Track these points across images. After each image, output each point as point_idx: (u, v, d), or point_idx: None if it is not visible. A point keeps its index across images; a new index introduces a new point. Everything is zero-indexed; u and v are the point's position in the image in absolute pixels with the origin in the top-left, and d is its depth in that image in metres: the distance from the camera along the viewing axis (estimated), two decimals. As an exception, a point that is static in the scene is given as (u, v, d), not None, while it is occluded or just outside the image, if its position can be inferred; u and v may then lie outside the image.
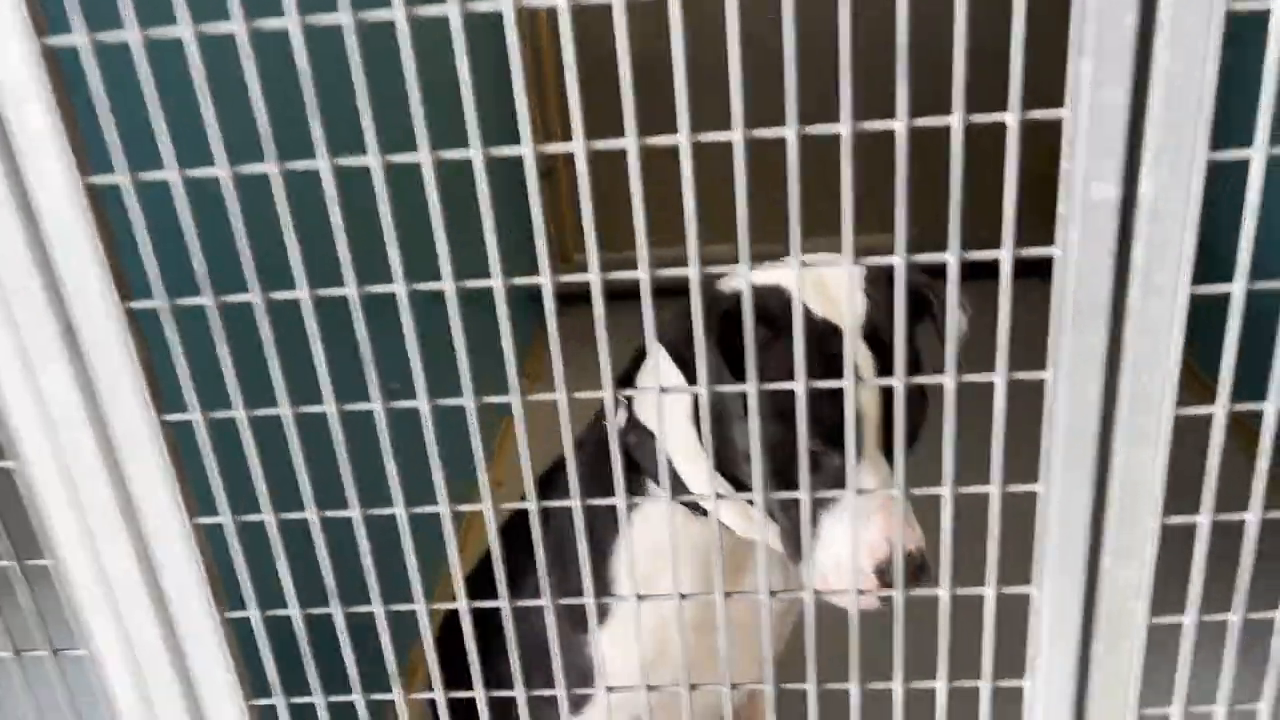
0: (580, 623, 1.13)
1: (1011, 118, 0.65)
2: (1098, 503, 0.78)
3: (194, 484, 0.82)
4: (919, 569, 0.91)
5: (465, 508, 0.81)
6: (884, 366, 0.98)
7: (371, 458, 0.79)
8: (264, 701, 0.89)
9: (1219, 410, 0.74)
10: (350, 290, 0.73)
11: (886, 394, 0.98)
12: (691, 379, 0.98)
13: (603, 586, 1.14)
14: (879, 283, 1.01)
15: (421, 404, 0.77)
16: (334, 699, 0.89)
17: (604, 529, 1.12)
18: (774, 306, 0.98)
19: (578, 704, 1.16)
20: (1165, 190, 0.67)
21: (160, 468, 0.79)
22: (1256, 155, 0.66)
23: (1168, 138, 0.65)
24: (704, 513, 1.10)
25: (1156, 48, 0.63)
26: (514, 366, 0.77)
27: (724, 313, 0.95)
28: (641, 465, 1.12)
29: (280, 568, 0.84)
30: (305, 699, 0.89)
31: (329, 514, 0.82)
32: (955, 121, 0.66)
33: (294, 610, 0.85)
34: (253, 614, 0.85)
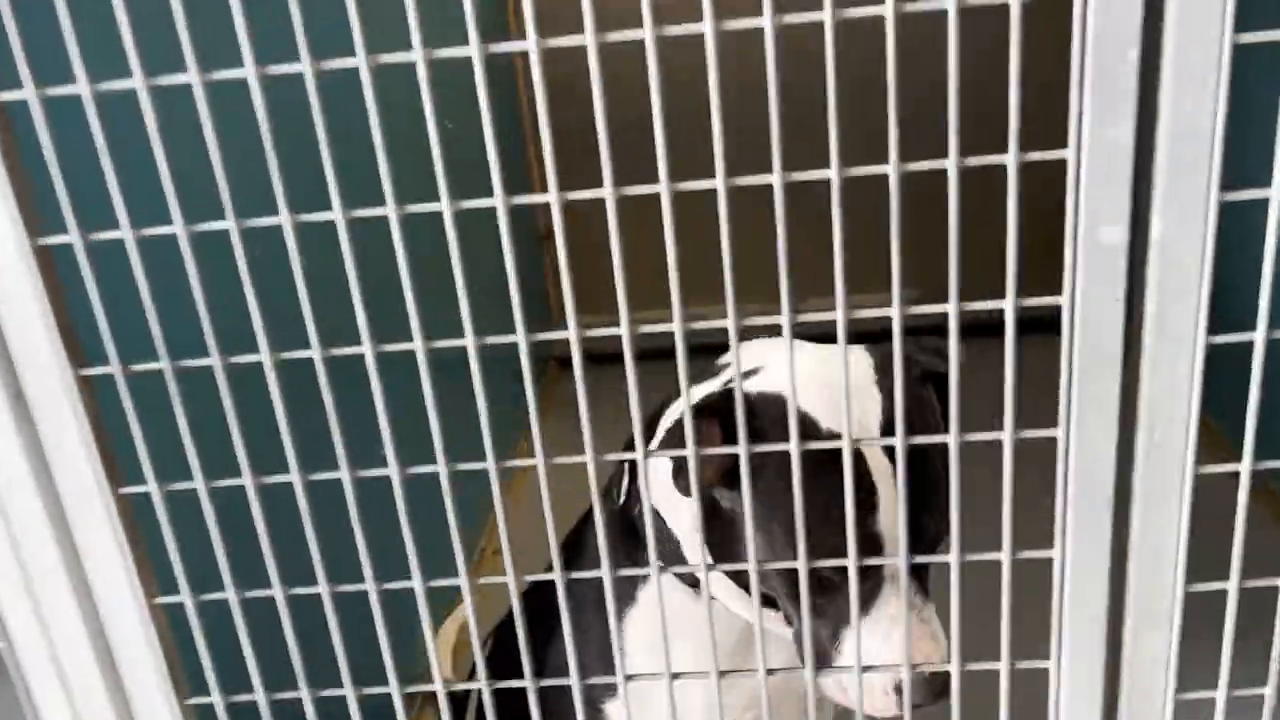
0: (591, 702, 1.09)
1: (1011, 159, 0.62)
2: (1116, 569, 0.72)
3: (152, 557, 0.77)
4: (941, 691, 0.85)
5: (440, 582, 0.76)
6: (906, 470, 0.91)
7: (345, 531, 0.74)
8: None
9: (1245, 468, 0.69)
10: (315, 353, 0.69)
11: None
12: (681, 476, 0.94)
13: (610, 663, 1.08)
14: (890, 370, 0.92)
15: (393, 471, 0.72)
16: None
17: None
18: (774, 416, 0.89)
19: None
20: (1176, 232, 0.63)
21: (114, 540, 0.74)
22: (1275, 195, 0.62)
23: (1176, 177, 0.61)
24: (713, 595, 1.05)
25: (1162, 82, 0.60)
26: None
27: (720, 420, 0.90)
28: (644, 539, 1.06)
29: (247, 650, 0.78)
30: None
31: (296, 591, 0.77)
32: (951, 166, 0.62)
33: (260, 696, 0.80)
34: (217, 701, 0.80)
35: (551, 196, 0.65)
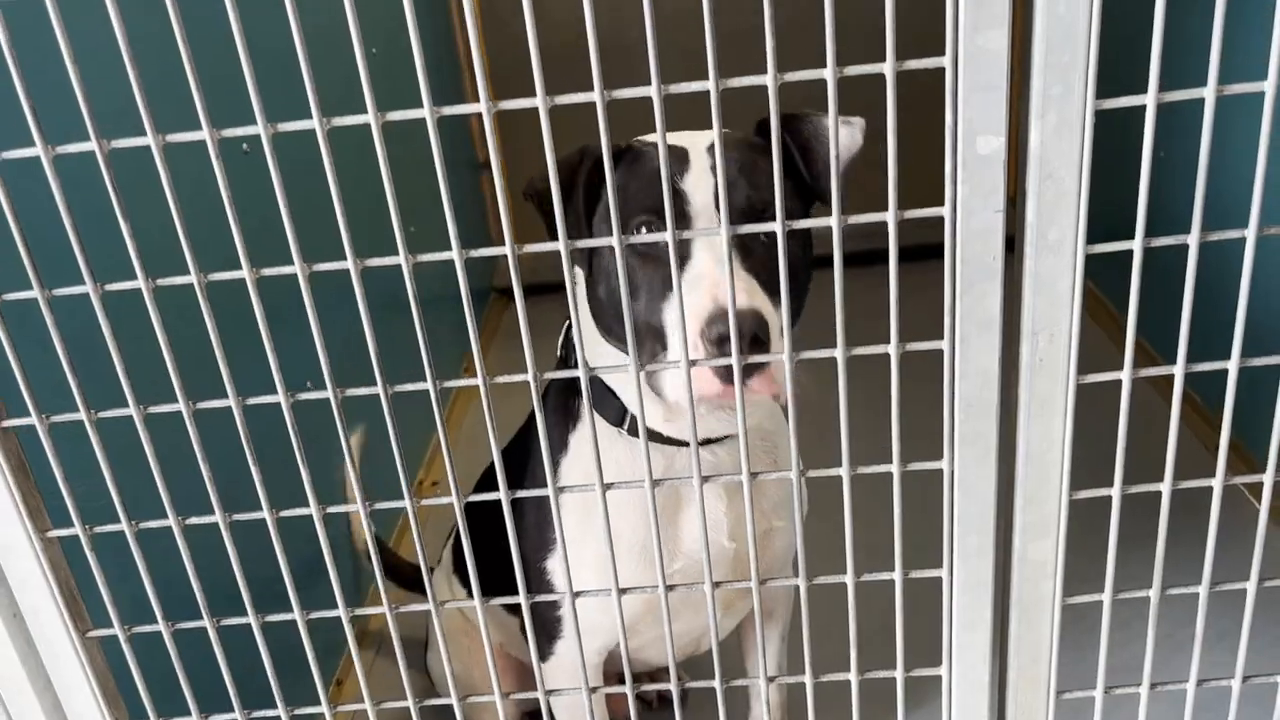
0: (540, 551, 1.13)
1: (889, 68, 0.61)
2: (1004, 479, 0.73)
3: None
4: (753, 340, 0.84)
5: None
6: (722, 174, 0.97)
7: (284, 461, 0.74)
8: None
9: (1125, 376, 0.70)
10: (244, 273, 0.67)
11: (717, 187, 0.95)
12: (553, 230, 0.96)
13: (549, 514, 1.11)
14: (727, 144, 1.00)
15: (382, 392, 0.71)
16: None
17: (550, 456, 1.12)
18: (634, 149, 1.02)
19: (549, 634, 1.15)
20: (1053, 141, 0.63)
21: (0, 476, 0.73)
22: (1150, 102, 0.62)
23: (1051, 84, 0.61)
24: (636, 433, 1.07)
25: (1036, -13, 0.59)
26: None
27: (595, 161, 0.97)
28: (579, 388, 1.10)
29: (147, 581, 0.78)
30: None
31: (239, 517, 0.76)
32: (829, 75, 0.61)
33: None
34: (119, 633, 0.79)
35: (483, 107, 0.63)
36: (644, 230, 0.97)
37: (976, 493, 0.73)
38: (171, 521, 0.75)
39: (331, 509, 0.75)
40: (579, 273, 1.09)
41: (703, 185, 0.96)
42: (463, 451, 2.11)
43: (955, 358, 0.69)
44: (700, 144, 1.00)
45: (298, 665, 0.82)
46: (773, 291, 0.93)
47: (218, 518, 0.75)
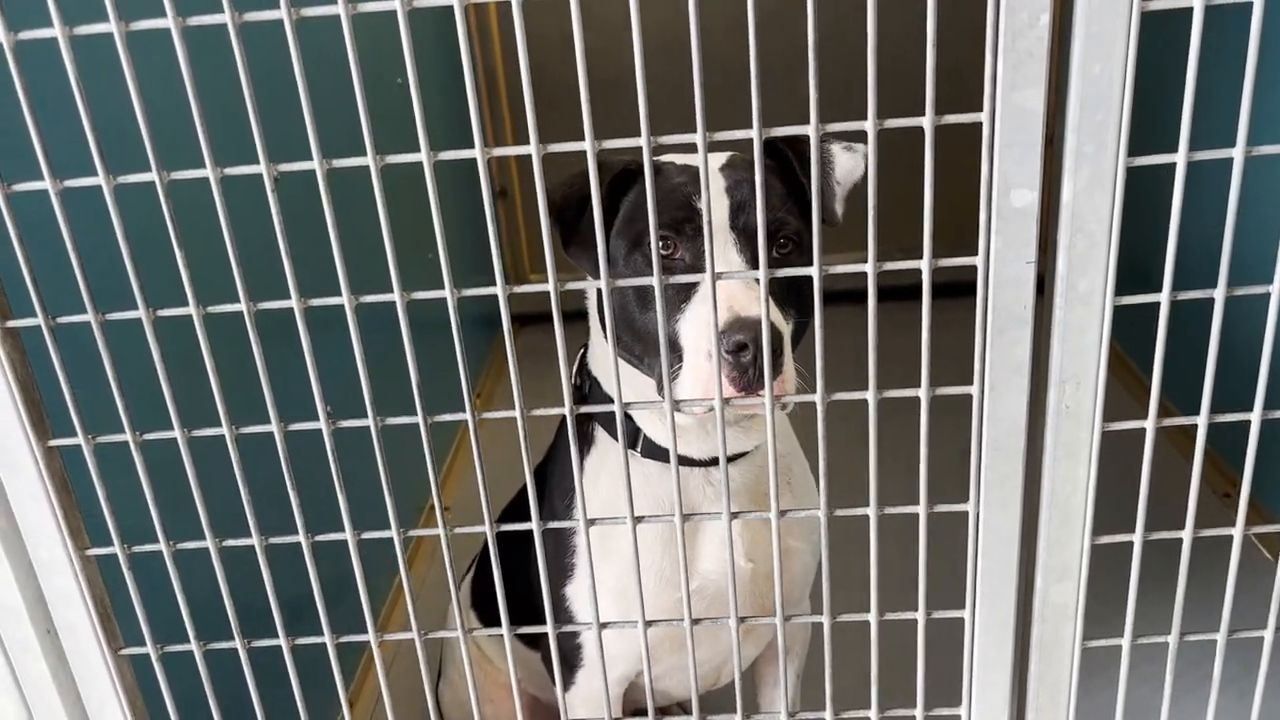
0: (558, 578, 1.14)
1: (928, 122, 0.63)
2: (1028, 522, 0.75)
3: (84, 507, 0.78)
4: (760, 336, 0.86)
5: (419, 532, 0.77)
6: (735, 184, 1.02)
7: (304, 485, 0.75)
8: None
9: (1150, 425, 0.72)
10: (242, 307, 0.69)
11: (736, 206, 1.00)
12: (568, 244, 1.01)
13: (566, 540, 1.12)
14: (739, 166, 1.05)
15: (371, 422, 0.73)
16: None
17: (566, 482, 1.17)
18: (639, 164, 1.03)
19: (569, 665, 1.15)
20: (1085, 196, 0.65)
21: (44, 494, 0.75)
22: (1181, 160, 0.64)
23: (1085, 142, 0.63)
24: (654, 457, 1.10)
25: (1073, 48, 0.61)
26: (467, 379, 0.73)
27: (612, 176, 1.01)
28: (593, 414, 1.12)
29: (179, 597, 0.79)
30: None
31: (275, 540, 0.78)
32: (870, 128, 0.63)
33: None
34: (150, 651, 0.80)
35: (477, 153, 0.65)
36: (662, 246, 1.00)
37: (1001, 535, 0.74)
38: (209, 543, 0.77)
39: (366, 534, 0.77)
40: (591, 299, 1.11)
41: (719, 205, 1.00)
42: (474, 478, 2.12)
43: (984, 402, 0.70)
44: (713, 164, 1.03)
45: (307, 685, 0.83)
46: (782, 305, 0.99)
47: (254, 540, 0.77)
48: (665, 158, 1.08)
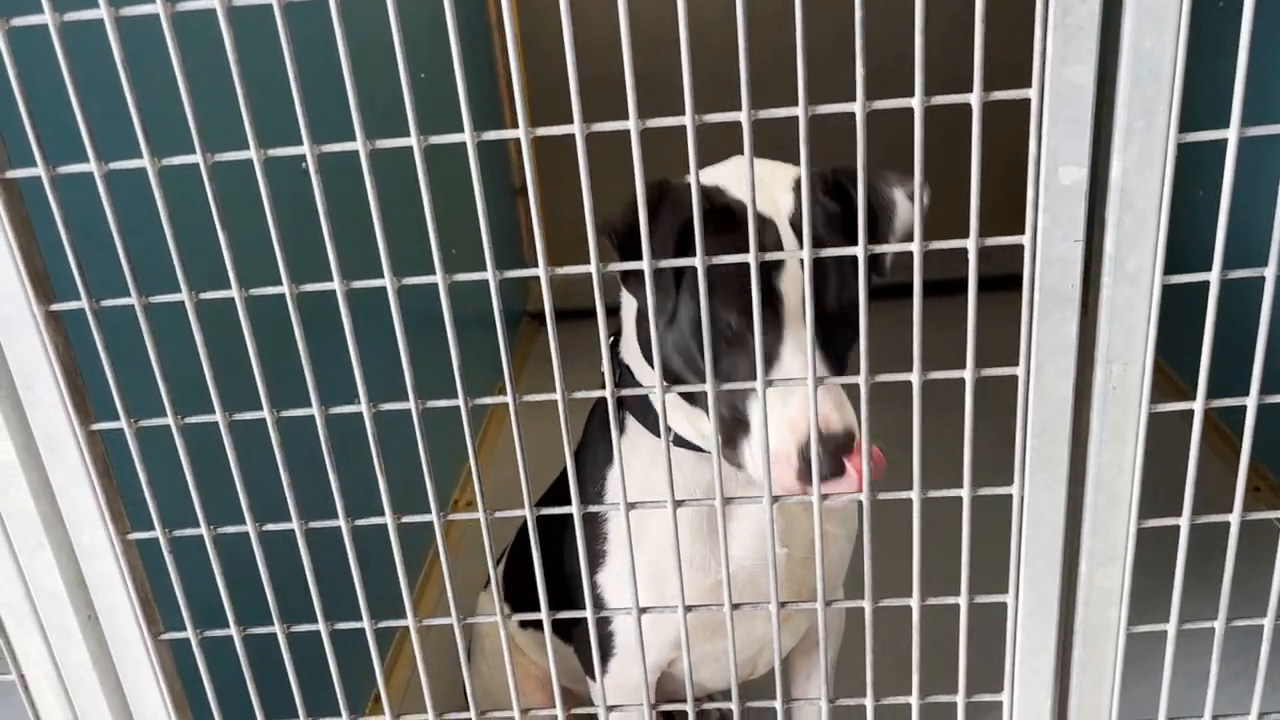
0: (590, 565, 1.13)
1: (975, 98, 0.62)
2: (1073, 505, 0.74)
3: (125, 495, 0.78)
4: (841, 450, 0.87)
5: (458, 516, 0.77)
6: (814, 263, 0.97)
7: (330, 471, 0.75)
8: (203, 729, 0.85)
9: (1199, 406, 0.71)
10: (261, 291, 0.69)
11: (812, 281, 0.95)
12: (627, 275, 0.96)
13: (598, 527, 1.12)
14: (812, 186, 0.99)
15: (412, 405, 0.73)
16: None
17: (596, 470, 1.16)
18: (715, 203, 0.99)
19: (602, 654, 1.15)
20: (1135, 173, 0.64)
21: (86, 479, 0.75)
22: (1233, 136, 0.64)
23: (1135, 118, 0.62)
24: (684, 446, 1.10)
25: (1123, 23, 0.61)
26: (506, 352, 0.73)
27: (676, 204, 0.94)
28: (624, 402, 1.11)
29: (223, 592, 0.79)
30: (247, 725, 0.84)
31: (314, 524, 0.78)
32: (917, 104, 0.63)
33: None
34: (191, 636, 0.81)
35: (521, 132, 0.65)
36: (732, 321, 0.96)
37: (1045, 518, 0.73)
38: (249, 527, 0.77)
39: (406, 518, 0.77)
40: (628, 299, 1.10)
41: (794, 278, 0.95)
42: (497, 471, 2.12)
43: (1030, 384, 0.70)
44: (783, 204, 0.99)
45: (359, 670, 0.83)
46: (842, 368, 0.97)
47: (294, 524, 0.77)
48: (730, 185, 1.01)
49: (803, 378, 0.89)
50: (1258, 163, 0.67)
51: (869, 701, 0.81)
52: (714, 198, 0.99)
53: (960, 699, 0.81)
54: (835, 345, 0.98)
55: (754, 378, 0.94)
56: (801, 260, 0.96)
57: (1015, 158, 0.65)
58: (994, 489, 0.73)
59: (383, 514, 0.76)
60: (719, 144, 0.95)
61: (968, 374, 0.69)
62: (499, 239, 2.62)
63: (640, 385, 1.10)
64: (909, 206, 0.99)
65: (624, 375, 1.13)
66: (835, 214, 1.00)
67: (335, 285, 0.69)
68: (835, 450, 0.90)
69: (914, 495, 0.74)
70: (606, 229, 0.98)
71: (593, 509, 0.77)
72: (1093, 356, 0.69)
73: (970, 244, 0.66)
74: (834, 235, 0.97)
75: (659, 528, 1.06)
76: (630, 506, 0.76)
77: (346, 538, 0.77)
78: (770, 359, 0.95)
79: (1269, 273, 0.67)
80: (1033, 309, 0.68)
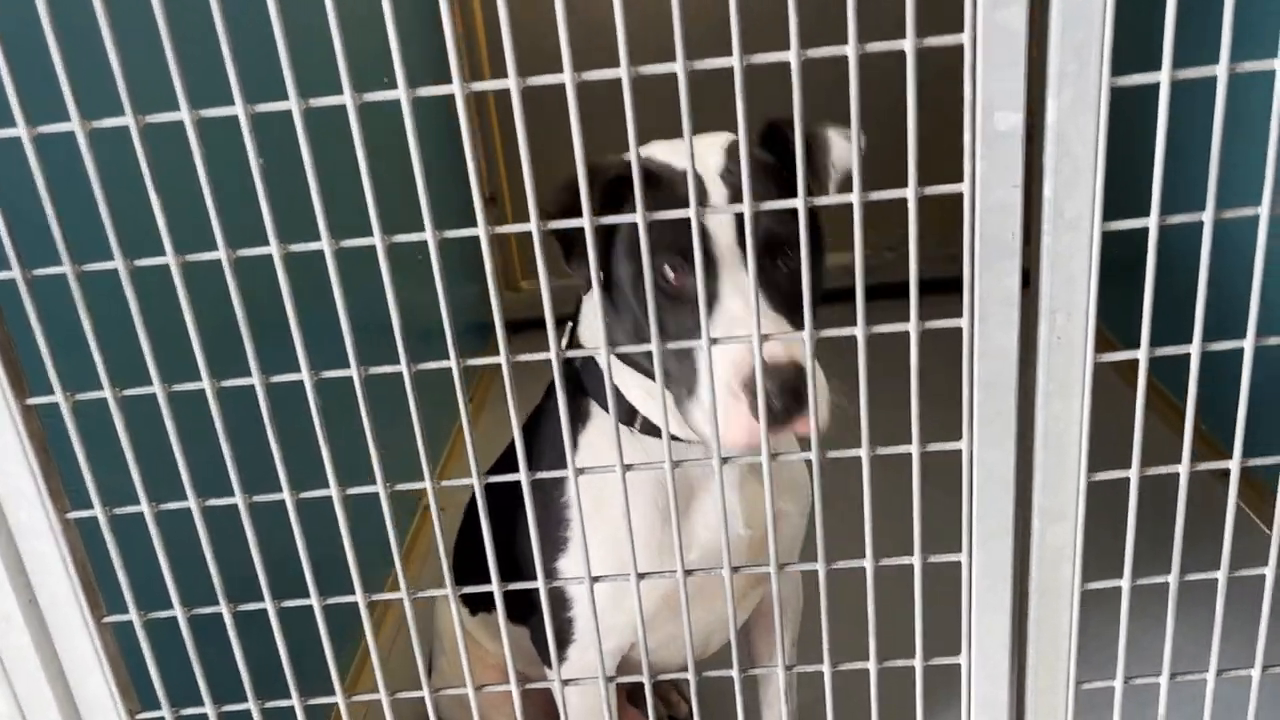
0: (550, 552, 1.13)
1: (909, 45, 0.62)
2: (1023, 461, 0.74)
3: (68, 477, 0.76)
4: (794, 392, 0.85)
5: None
6: (738, 199, 0.95)
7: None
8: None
9: (1143, 355, 0.71)
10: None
11: (740, 221, 0.94)
12: (569, 255, 0.96)
13: (559, 513, 1.11)
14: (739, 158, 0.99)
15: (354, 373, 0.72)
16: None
17: (555, 456, 1.14)
18: (645, 169, 0.95)
19: (560, 639, 1.13)
20: (1069, 118, 0.64)
21: (22, 455, 0.73)
22: (1165, 79, 0.64)
23: (1068, 62, 0.62)
24: (653, 434, 1.09)
25: (1052, -35, 0.61)
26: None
27: (607, 181, 0.93)
28: (587, 388, 1.10)
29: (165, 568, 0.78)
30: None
31: (261, 497, 0.76)
32: (851, 51, 0.63)
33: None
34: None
35: (456, 88, 0.64)
36: (668, 271, 0.96)
37: (995, 474, 0.73)
38: (191, 502, 0.75)
39: (352, 490, 0.76)
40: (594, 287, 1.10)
41: (725, 221, 0.95)
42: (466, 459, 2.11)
43: (975, 336, 0.69)
44: (712, 163, 1.00)
45: (310, 657, 0.81)
46: (794, 315, 0.95)
47: (238, 500, 0.75)
48: (658, 154, 1.03)
49: (744, 321, 0.88)
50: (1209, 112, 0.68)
51: (826, 669, 0.80)
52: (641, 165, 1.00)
53: (918, 663, 0.80)
54: (779, 285, 0.97)
55: (698, 326, 0.94)
56: (729, 197, 0.97)
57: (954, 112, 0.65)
58: (943, 444, 0.73)
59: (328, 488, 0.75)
60: (656, 127, 0.96)
61: (911, 326, 0.69)
62: (466, 248, 2.60)
63: (599, 366, 1.10)
64: (845, 146, 0.99)
65: (584, 362, 1.12)
66: (770, 164, 1.00)
67: (273, 249, 0.68)
68: (785, 386, 0.86)
69: (863, 453, 0.73)
70: (542, 214, 0.97)
71: (541, 474, 0.76)
72: (1035, 308, 0.69)
73: (910, 193, 0.66)
74: (767, 184, 0.97)
75: (623, 514, 1.05)
76: (579, 472, 0.76)
77: (291, 512, 0.75)
78: (710, 301, 0.93)
79: (1206, 217, 0.67)
80: (974, 259, 0.67)
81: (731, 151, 1.01)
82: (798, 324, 0.95)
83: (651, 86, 0.65)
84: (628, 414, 1.08)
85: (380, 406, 0.72)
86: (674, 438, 1.06)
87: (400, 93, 0.64)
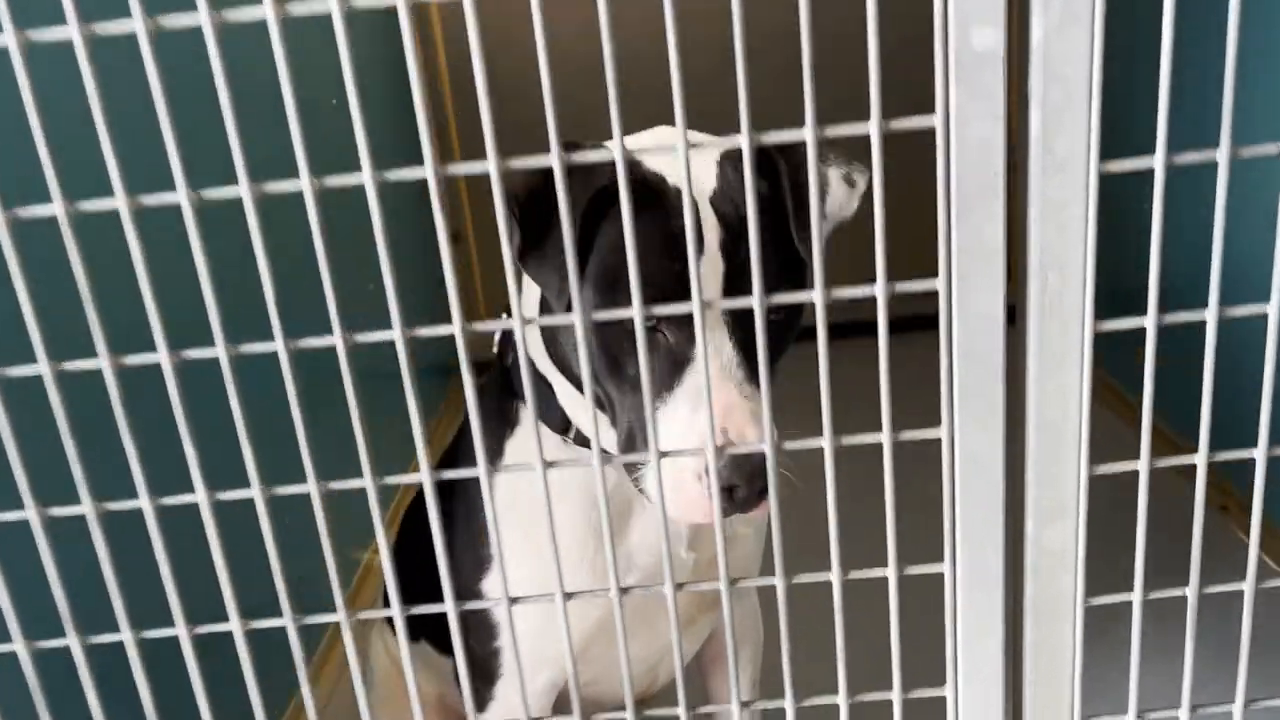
0: (474, 572, 1.00)
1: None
2: (1013, 451, 0.63)
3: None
4: (756, 475, 0.75)
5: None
6: (731, 239, 0.87)
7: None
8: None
9: (1150, 323, 0.60)
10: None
11: (730, 267, 0.84)
12: (527, 249, 0.86)
13: (480, 529, 0.98)
14: (737, 160, 0.89)
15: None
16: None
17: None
18: (632, 176, 0.86)
19: (486, 675, 1.00)
20: (1058, 37, 0.54)
21: None
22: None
23: (1056, -37, 0.53)
24: (581, 443, 0.98)
25: None
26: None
27: (595, 192, 0.84)
28: (516, 390, 0.99)
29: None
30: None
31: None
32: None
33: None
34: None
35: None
36: (649, 320, 0.86)
37: (980, 464, 0.62)
38: (87, 507, 0.63)
39: (281, 489, 0.64)
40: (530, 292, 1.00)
41: (715, 272, 0.85)
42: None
43: (952, 299, 0.59)
44: (706, 187, 0.89)
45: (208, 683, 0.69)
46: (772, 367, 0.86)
47: (143, 502, 0.63)
48: (648, 160, 0.92)
49: (718, 385, 0.80)
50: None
51: (789, 705, 0.69)
52: (631, 170, 0.89)
53: (895, 696, 0.69)
54: (751, 339, 0.87)
55: (668, 378, 0.84)
56: (722, 246, 0.87)
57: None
58: (918, 432, 0.62)
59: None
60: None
61: (879, 289, 0.59)
62: (428, 286, 2.50)
63: (536, 378, 0.99)
64: (845, 192, 0.91)
65: (515, 365, 1.01)
66: (764, 195, 0.90)
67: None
68: (751, 473, 0.78)
69: (825, 443, 0.62)
70: (507, 195, 0.87)
71: (447, 474, 0.65)
72: (1023, 266, 0.59)
73: (873, 128, 0.56)
74: (761, 219, 0.87)
75: (557, 529, 0.94)
76: (493, 471, 0.64)
77: (205, 512, 0.64)
78: (683, 362, 0.84)
79: (1221, 155, 0.57)
80: (950, 207, 0.57)
81: (724, 167, 0.91)
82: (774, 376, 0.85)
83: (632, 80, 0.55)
84: (560, 422, 0.97)
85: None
86: (606, 452, 0.95)
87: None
